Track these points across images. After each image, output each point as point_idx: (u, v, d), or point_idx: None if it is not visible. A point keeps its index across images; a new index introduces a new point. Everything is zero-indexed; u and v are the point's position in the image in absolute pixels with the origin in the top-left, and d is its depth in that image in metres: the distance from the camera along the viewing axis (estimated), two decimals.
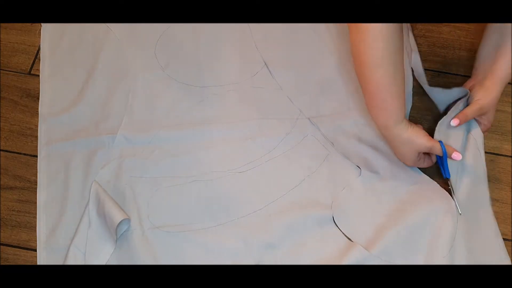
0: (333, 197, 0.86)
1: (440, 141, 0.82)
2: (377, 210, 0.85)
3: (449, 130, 0.87)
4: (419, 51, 1.00)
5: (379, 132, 0.87)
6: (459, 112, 0.87)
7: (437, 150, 0.82)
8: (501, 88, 0.87)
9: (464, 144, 0.87)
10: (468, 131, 0.88)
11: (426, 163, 0.86)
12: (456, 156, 0.81)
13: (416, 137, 0.82)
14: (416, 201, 0.85)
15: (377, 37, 0.74)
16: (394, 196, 0.86)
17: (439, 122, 0.87)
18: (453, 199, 0.83)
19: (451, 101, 0.90)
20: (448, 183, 0.84)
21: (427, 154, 0.86)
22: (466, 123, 0.88)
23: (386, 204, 0.85)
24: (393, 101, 0.79)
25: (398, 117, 0.80)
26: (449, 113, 0.87)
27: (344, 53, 0.99)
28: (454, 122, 0.85)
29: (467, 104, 0.88)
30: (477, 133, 0.88)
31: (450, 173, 0.84)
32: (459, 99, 0.89)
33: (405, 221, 0.82)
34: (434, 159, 0.86)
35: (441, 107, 0.93)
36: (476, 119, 0.89)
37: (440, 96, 0.91)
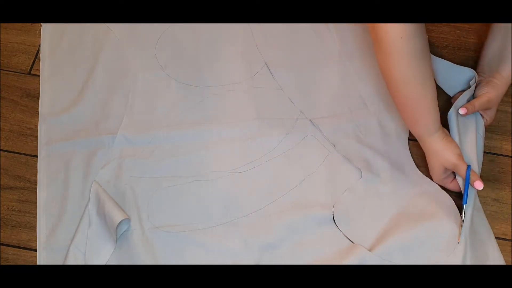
0: (334, 198, 0.86)
1: (468, 166, 0.81)
2: (379, 212, 0.85)
3: (461, 126, 0.87)
4: None
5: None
6: (467, 102, 0.87)
7: (462, 170, 0.81)
8: (507, 86, 0.88)
9: (480, 146, 0.87)
10: (478, 131, 0.89)
11: (453, 185, 0.85)
12: (478, 185, 0.80)
13: (445, 151, 0.82)
14: (421, 207, 0.85)
15: (400, 55, 0.75)
16: (396, 199, 0.86)
17: (448, 114, 0.87)
18: (461, 226, 0.81)
19: (455, 82, 0.92)
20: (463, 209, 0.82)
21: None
22: (476, 120, 0.89)
23: (388, 206, 0.85)
24: (424, 114, 0.80)
25: (430, 128, 0.82)
26: (456, 103, 0.88)
27: (344, 53, 0.99)
28: (462, 111, 0.85)
29: (473, 96, 0.89)
30: (481, 127, 0.89)
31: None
32: (463, 90, 0.90)
33: (411, 229, 0.82)
34: (455, 182, 0.84)
35: (442, 83, 0.94)
36: (480, 113, 0.89)
37: (444, 70, 0.92)
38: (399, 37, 0.73)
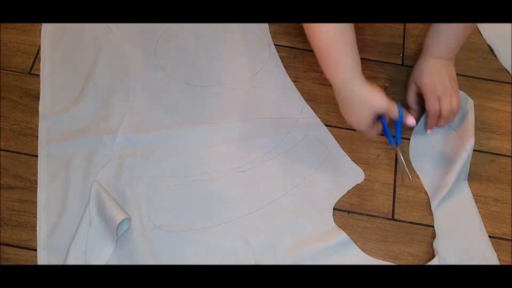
0: (334, 199, 0.87)
1: (398, 104, 0.78)
2: None
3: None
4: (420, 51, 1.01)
5: (335, 92, 0.81)
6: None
7: (394, 111, 0.78)
8: (446, 65, 0.86)
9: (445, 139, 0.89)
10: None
11: (374, 131, 0.83)
12: (411, 121, 0.78)
13: (374, 96, 0.78)
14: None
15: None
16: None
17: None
18: (403, 166, 0.80)
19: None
20: (394, 149, 0.82)
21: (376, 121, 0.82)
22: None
23: None
24: (345, 56, 0.77)
25: (352, 72, 0.77)
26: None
27: None
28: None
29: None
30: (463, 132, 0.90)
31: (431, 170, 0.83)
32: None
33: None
34: (380, 127, 0.83)
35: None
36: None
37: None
38: None
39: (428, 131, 0.89)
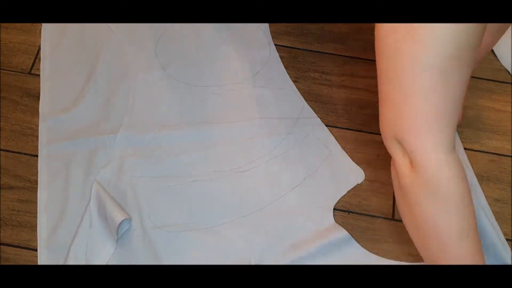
0: (335, 198, 0.86)
1: None
2: None
3: None
4: None
5: None
6: None
7: None
8: None
9: None
10: None
11: None
12: None
13: None
14: None
15: (460, 203, 0.63)
16: None
17: None
18: None
19: None
20: None
21: None
22: None
23: None
24: (455, 247, 0.67)
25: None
26: None
27: None
28: None
29: None
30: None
31: None
32: None
33: None
34: None
35: None
36: None
37: None
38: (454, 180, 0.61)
39: None
